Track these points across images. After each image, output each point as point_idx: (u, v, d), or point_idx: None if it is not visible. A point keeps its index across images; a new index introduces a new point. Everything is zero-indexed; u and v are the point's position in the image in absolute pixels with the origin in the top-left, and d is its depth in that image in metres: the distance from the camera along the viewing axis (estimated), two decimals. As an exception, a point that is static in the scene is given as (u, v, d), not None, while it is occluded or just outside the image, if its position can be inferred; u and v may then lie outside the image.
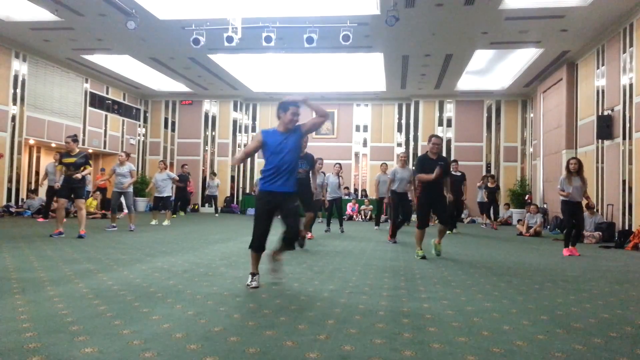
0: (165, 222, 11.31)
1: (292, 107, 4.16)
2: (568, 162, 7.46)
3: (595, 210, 10.39)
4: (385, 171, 12.03)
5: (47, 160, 15.11)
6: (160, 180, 11.49)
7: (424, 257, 6.25)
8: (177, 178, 12.25)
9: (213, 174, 17.46)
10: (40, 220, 11.22)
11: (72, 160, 7.88)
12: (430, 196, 6.29)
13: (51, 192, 11.65)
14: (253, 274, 4.16)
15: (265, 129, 4.30)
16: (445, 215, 6.65)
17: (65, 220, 8.20)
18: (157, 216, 11.60)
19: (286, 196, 4.11)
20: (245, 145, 19.44)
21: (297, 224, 4.15)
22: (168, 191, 11.59)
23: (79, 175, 7.75)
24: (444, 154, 17.60)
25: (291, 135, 4.15)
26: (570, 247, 7.41)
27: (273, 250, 4.26)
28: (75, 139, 8.07)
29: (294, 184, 4.18)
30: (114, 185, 9.47)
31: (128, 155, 9.93)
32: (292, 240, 4.12)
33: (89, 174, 8.13)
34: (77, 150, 8.03)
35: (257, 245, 4.11)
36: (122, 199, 9.57)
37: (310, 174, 7.35)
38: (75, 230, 7.99)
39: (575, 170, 7.29)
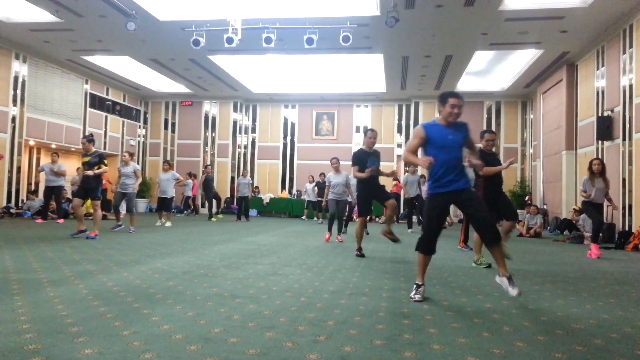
0: (168, 224, 11.32)
1: (451, 98, 3.83)
2: (591, 163, 7.34)
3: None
4: (415, 172, 11.99)
5: (47, 161, 15.12)
6: (165, 180, 11.49)
7: (489, 266, 5.65)
8: (182, 179, 12.16)
9: (189, 174, 17.22)
10: (39, 221, 11.21)
11: (87, 159, 7.99)
12: (496, 192, 5.88)
13: (48, 192, 11.64)
14: (418, 285, 3.80)
15: (426, 123, 3.95)
16: (512, 208, 5.98)
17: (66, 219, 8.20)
18: (164, 217, 11.61)
19: (462, 193, 3.79)
20: (244, 147, 19.45)
21: (488, 215, 3.77)
22: (171, 192, 11.60)
23: (90, 173, 7.78)
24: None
25: (457, 132, 3.86)
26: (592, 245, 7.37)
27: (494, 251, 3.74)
28: (90, 139, 8.12)
29: (466, 180, 3.86)
30: (118, 186, 9.47)
31: (132, 155, 9.91)
32: (491, 233, 3.65)
33: (104, 173, 8.14)
34: (93, 149, 8.11)
35: (427, 248, 3.82)
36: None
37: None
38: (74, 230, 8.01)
39: (599, 171, 7.20)
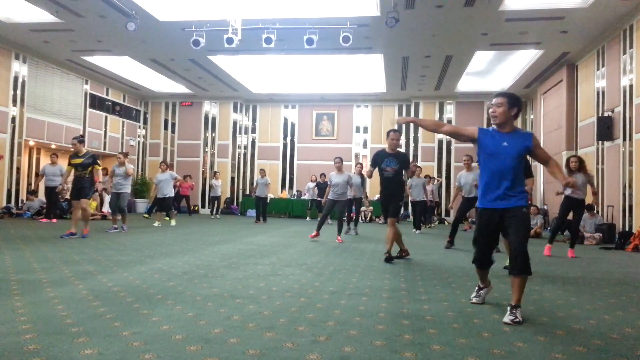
0: (172, 223, 11.37)
1: (496, 97, 3.51)
2: (568, 160, 7.40)
3: (595, 211, 10.40)
4: (419, 175, 11.63)
5: (47, 162, 15.12)
6: (163, 180, 11.45)
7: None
8: (180, 178, 12.11)
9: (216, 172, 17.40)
10: (44, 221, 11.26)
11: (79, 160, 7.89)
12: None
13: (50, 192, 11.69)
14: (479, 288, 3.82)
15: (484, 127, 3.67)
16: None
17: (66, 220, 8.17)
18: (160, 218, 11.61)
19: (509, 211, 3.44)
20: (244, 147, 19.43)
21: (522, 243, 3.41)
22: (170, 192, 11.54)
23: (101, 187, 7.70)
24: (444, 155, 17.64)
25: (514, 139, 3.45)
26: (568, 249, 7.41)
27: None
28: (80, 139, 8.06)
29: (518, 196, 3.46)
30: (113, 187, 9.43)
31: (126, 155, 9.88)
32: (517, 264, 3.36)
33: (101, 174, 8.08)
34: (85, 150, 8.04)
35: (479, 262, 3.66)
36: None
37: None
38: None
39: (576, 168, 7.22)
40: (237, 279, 4.51)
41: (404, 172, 6.41)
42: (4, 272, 4.46)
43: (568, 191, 7.20)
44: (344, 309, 3.43)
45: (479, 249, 3.64)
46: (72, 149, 8.15)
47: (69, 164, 8.06)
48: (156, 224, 11.28)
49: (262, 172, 14.37)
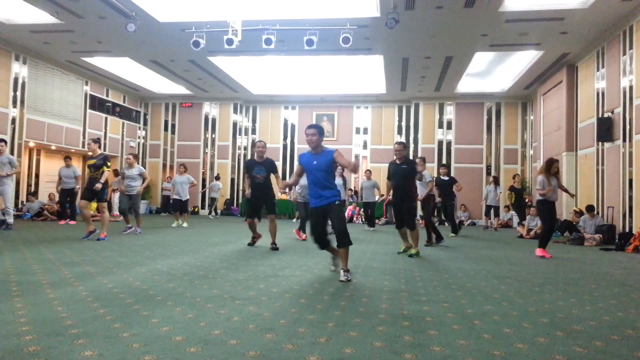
0: (184, 224, 11.52)
1: (307, 129, 5.21)
2: (551, 165, 7.39)
3: (595, 212, 10.40)
4: (369, 178, 12.70)
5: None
6: (180, 183, 11.63)
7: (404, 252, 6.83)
8: (196, 182, 12.30)
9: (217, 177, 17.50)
10: (71, 223, 11.44)
11: (92, 162, 8.03)
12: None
13: (64, 194, 11.74)
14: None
15: (302, 153, 5.36)
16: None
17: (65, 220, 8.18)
18: (180, 218, 11.80)
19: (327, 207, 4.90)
20: (244, 148, 19.45)
21: (340, 224, 4.79)
22: (186, 194, 11.75)
23: (98, 186, 7.79)
24: (444, 156, 17.64)
25: (321, 157, 5.10)
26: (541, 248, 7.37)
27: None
28: (95, 140, 8.21)
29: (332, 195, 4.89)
30: (124, 188, 9.51)
31: (136, 156, 9.98)
32: (340, 239, 4.78)
33: (107, 176, 8.12)
34: (99, 152, 8.17)
35: (321, 244, 5.00)
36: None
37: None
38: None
39: (556, 172, 7.41)
40: (237, 280, 4.51)
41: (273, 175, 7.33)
42: (4, 274, 4.45)
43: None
44: (344, 310, 3.43)
45: (317, 235, 4.90)
46: (88, 150, 8.28)
47: (87, 166, 8.22)
48: (174, 224, 11.52)
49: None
